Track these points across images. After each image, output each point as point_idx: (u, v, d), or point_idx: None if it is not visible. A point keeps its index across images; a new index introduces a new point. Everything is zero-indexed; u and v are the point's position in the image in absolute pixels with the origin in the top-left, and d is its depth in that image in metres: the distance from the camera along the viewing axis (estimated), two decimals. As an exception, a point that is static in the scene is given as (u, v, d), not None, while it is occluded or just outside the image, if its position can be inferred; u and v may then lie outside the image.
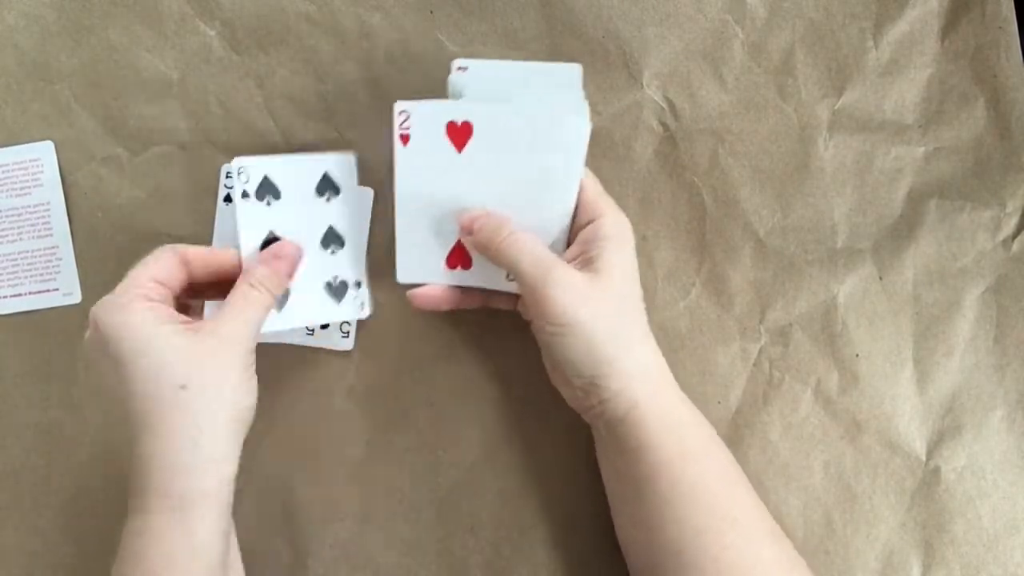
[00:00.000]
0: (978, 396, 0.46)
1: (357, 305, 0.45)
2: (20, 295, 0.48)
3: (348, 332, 0.47)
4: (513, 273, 0.40)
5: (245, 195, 0.42)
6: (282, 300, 0.43)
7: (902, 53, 0.46)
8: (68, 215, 0.48)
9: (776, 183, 0.46)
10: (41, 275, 0.48)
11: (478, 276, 0.43)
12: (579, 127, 0.39)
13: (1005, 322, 0.46)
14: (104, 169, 0.48)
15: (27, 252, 0.48)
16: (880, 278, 0.46)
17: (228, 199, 0.47)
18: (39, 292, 0.48)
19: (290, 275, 0.42)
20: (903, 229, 0.46)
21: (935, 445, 0.45)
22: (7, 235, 0.48)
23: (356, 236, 0.45)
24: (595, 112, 0.47)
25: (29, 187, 0.48)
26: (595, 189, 0.41)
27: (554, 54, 0.47)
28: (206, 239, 0.47)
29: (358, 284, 0.45)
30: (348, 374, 0.47)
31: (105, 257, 0.48)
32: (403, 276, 0.43)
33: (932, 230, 0.46)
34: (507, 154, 0.40)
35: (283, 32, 0.47)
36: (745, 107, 0.46)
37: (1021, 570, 0.45)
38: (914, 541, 0.45)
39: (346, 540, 0.47)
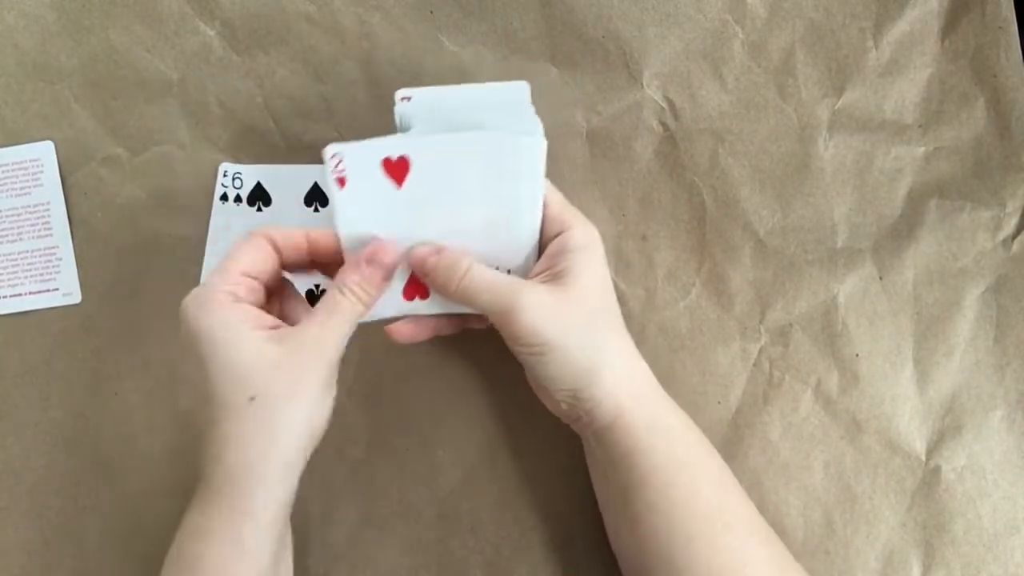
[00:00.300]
0: (978, 396, 0.46)
1: None
2: (20, 295, 0.48)
3: None
4: (475, 309, 0.39)
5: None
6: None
7: (902, 53, 0.46)
8: (68, 215, 0.48)
9: (776, 183, 0.46)
10: (41, 275, 0.48)
11: (438, 304, 0.41)
12: (534, 147, 0.38)
13: (1005, 322, 0.46)
14: (104, 169, 0.48)
15: (27, 252, 0.48)
16: (880, 278, 0.46)
17: (224, 197, 0.47)
18: (39, 292, 0.48)
19: (387, 280, 0.39)
20: (903, 229, 0.46)
21: (935, 445, 0.45)
22: (7, 235, 0.48)
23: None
24: (595, 112, 0.47)
25: (29, 187, 0.48)
26: (559, 202, 0.40)
27: (554, 54, 0.47)
28: (206, 239, 0.47)
29: None
30: (348, 374, 0.47)
31: (105, 257, 0.48)
32: (375, 314, 0.40)
33: (932, 230, 0.46)
34: (460, 183, 0.38)
35: (283, 32, 0.47)
36: (745, 107, 0.46)
37: (1021, 570, 0.45)
38: (914, 541, 0.45)
39: (346, 540, 0.47)
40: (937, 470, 0.45)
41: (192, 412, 0.37)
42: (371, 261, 0.38)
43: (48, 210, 0.48)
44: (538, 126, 0.39)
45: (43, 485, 0.47)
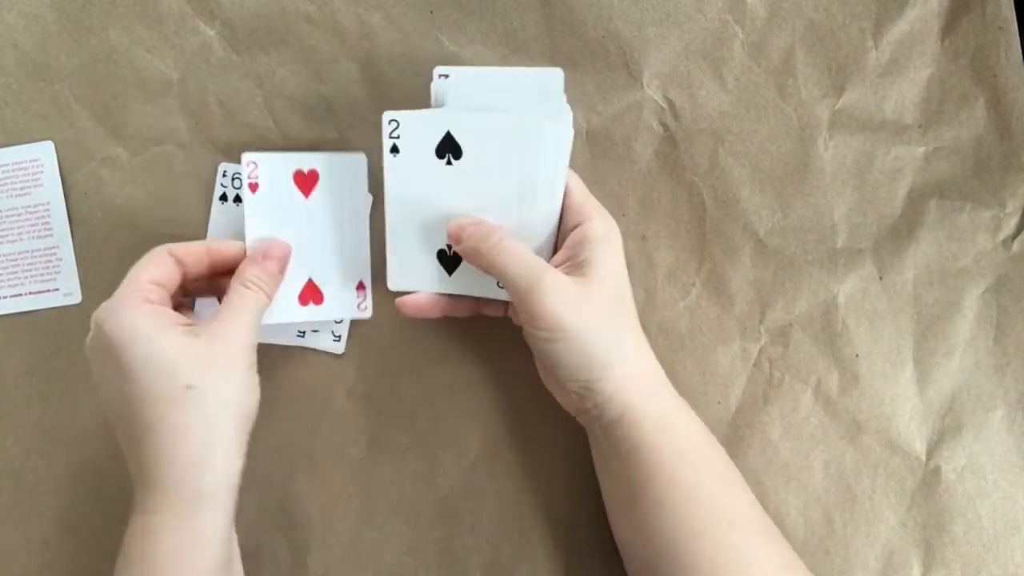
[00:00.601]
0: (978, 396, 0.46)
1: (356, 306, 0.45)
2: (20, 295, 0.48)
3: (340, 336, 0.47)
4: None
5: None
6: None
7: (902, 53, 0.46)
8: (68, 215, 0.48)
9: (776, 183, 0.46)
10: (41, 275, 0.48)
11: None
12: (561, 133, 0.39)
13: (1005, 322, 0.46)
14: (104, 169, 0.48)
15: (27, 252, 0.48)
16: (880, 278, 0.46)
17: (224, 198, 0.47)
18: (39, 292, 0.48)
19: (281, 272, 0.43)
20: (903, 229, 0.46)
21: (935, 445, 0.45)
22: (7, 235, 0.48)
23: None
24: (595, 112, 0.47)
25: (29, 187, 0.48)
26: (581, 192, 0.41)
27: (554, 54, 0.47)
28: (205, 238, 0.47)
29: (361, 284, 0.45)
30: (348, 374, 0.47)
31: (105, 257, 0.48)
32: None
33: (932, 230, 0.46)
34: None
35: (283, 32, 0.47)
36: (745, 107, 0.46)
37: (1021, 570, 0.45)
38: (914, 541, 0.45)
39: (346, 540, 0.47)
40: (937, 470, 0.45)
41: (118, 420, 0.38)
42: (267, 256, 0.42)
43: (48, 210, 0.48)
44: (567, 113, 0.40)
45: (43, 485, 0.47)
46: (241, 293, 0.40)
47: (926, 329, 0.46)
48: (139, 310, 0.38)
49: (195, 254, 0.41)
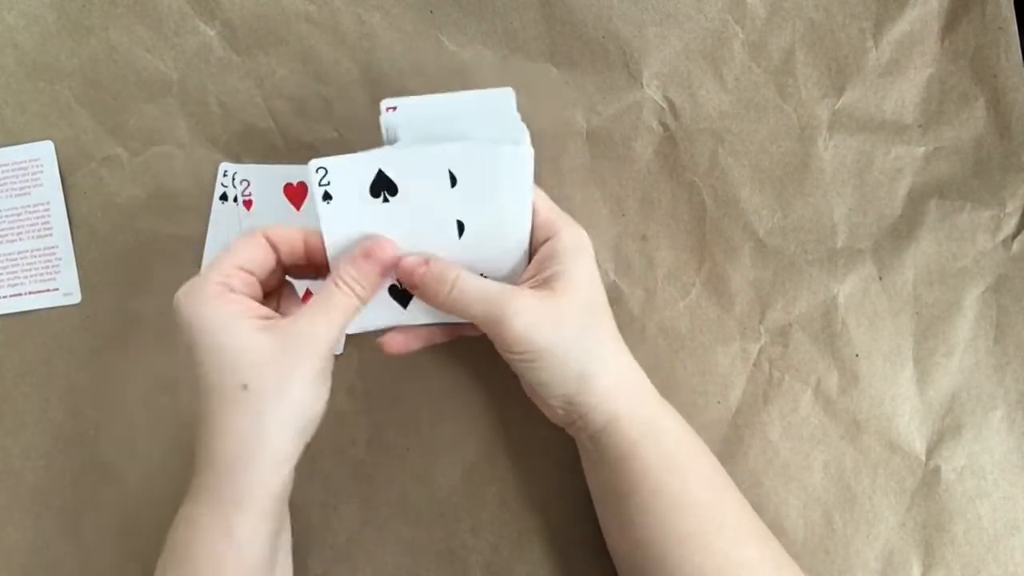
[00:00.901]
0: (978, 396, 0.46)
1: None
2: (20, 295, 0.48)
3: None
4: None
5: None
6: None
7: (902, 53, 0.46)
8: (68, 215, 0.48)
9: (776, 183, 0.46)
10: (41, 275, 0.48)
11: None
12: (520, 155, 0.38)
13: (1005, 322, 0.46)
14: (104, 169, 0.48)
15: (27, 252, 0.48)
16: (880, 278, 0.46)
17: (224, 197, 0.47)
18: (39, 292, 0.48)
19: (384, 275, 0.39)
20: (903, 229, 0.46)
21: (935, 445, 0.45)
22: (7, 235, 0.48)
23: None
24: (595, 112, 0.47)
25: (29, 187, 0.48)
26: (547, 207, 0.40)
27: (554, 54, 0.47)
28: (205, 239, 0.47)
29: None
30: (348, 374, 0.47)
31: (105, 257, 0.48)
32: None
33: (932, 230, 0.46)
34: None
35: (283, 32, 0.47)
36: (745, 107, 0.46)
37: (1021, 570, 0.45)
38: (914, 541, 0.45)
39: (346, 540, 0.47)
40: (937, 470, 0.45)
41: (190, 405, 0.37)
42: (367, 256, 0.38)
43: (48, 210, 0.48)
44: (524, 134, 0.39)
45: (43, 485, 0.47)
46: (330, 292, 0.37)
47: (926, 329, 0.46)
48: (214, 298, 0.36)
49: (290, 241, 0.38)
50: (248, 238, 0.38)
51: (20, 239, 0.48)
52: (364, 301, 0.38)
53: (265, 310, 0.38)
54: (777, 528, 0.43)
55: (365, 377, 0.47)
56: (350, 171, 0.38)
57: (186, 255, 0.47)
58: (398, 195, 0.38)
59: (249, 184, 0.40)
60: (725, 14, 0.46)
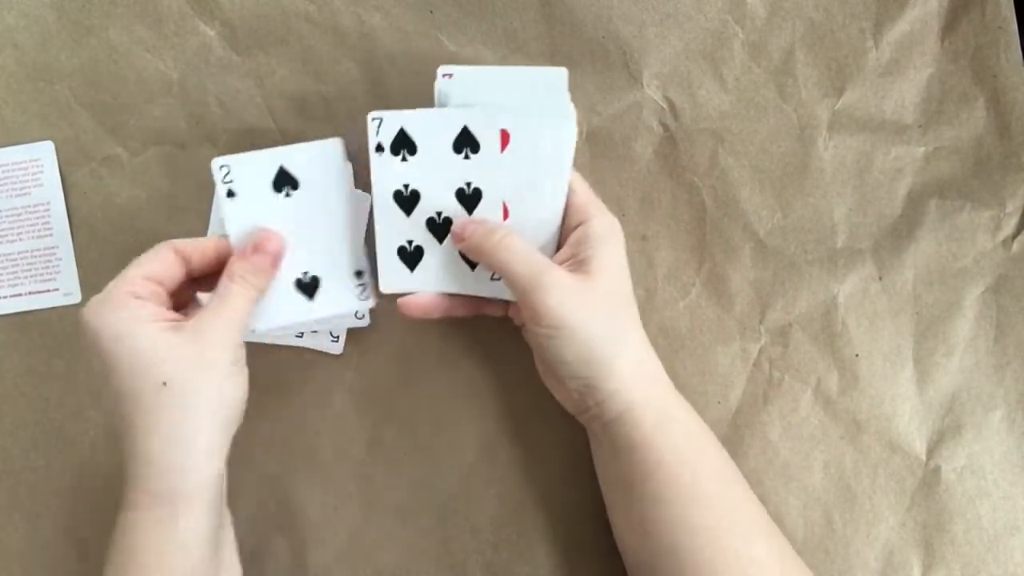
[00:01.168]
0: (978, 396, 0.46)
1: (356, 296, 0.44)
2: (20, 295, 0.48)
3: (338, 337, 0.47)
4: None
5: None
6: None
7: (902, 53, 0.46)
8: (68, 215, 0.48)
9: (776, 183, 0.46)
10: (41, 275, 0.48)
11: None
12: (564, 132, 0.39)
13: (1005, 322, 0.46)
14: (104, 169, 0.48)
15: (27, 252, 0.48)
16: (880, 278, 0.46)
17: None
18: (39, 292, 0.48)
19: (274, 265, 0.41)
20: (903, 229, 0.46)
21: (935, 445, 0.45)
22: (7, 235, 0.48)
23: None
24: (595, 112, 0.47)
25: (29, 187, 0.48)
26: (584, 191, 0.41)
27: (554, 54, 0.47)
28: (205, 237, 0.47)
29: (359, 274, 0.44)
30: (347, 374, 0.47)
31: (105, 257, 0.48)
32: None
33: (932, 230, 0.46)
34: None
35: (283, 32, 0.47)
36: (745, 107, 0.46)
37: (1021, 570, 0.45)
38: (914, 541, 0.45)
39: (346, 540, 0.47)
40: (937, 470, 0.45)
41: (112, 413, 0.38)
42: (257, 249, 0.40)
43: (48, 210, 0.48)
44: (571, 113, 0.40)
45: (43, 485, 0.47)
46: (226, 287, 0.39)
47: (926, 329, 0.46)
48: (119, 304, 0.37)
49: (201, 250, 0.40)
50: (155, 251, 0.39)
51: (20, 239, 0.48)
52: (260, 291, 0.40)
53: (171, 314, 0.39)
54: (777, 527, 0.43)
55: (365, 377, 0.47)
56: (252, 167, 0.41)
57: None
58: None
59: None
60: (725, 14, 0.46)
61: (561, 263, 0.40)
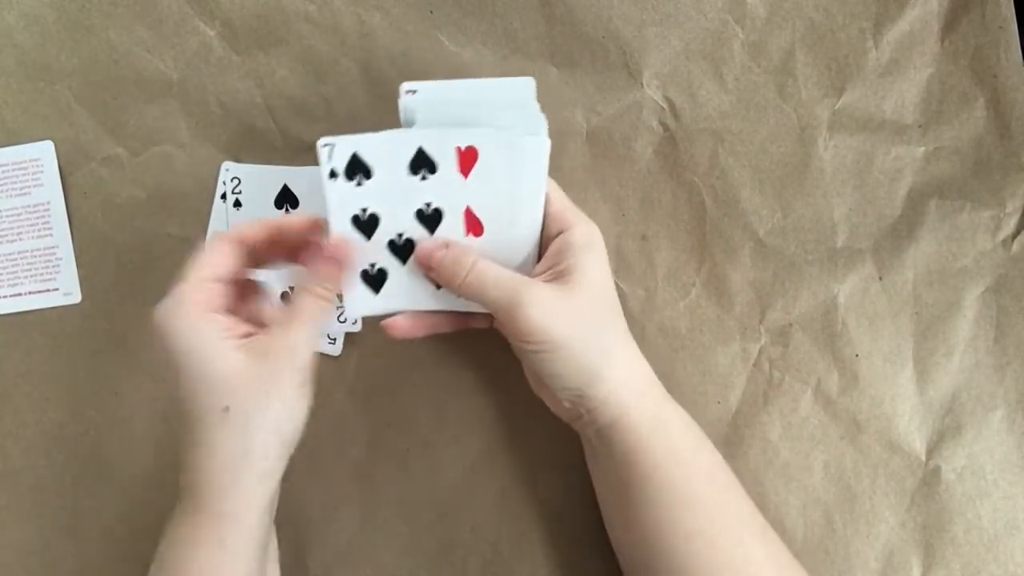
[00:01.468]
0: (978, 396, 0.46)
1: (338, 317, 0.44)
2: (20, 295, 0.48)
3: (335, 339, 0.47)
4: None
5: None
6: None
7: (902, 53, 0.46)
8: (68, 215, 0.48)
9: (776, 183, 0.46)
10: (41, 275, 0.48)
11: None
12: (537, 145, 0.38)
13: (1005, 322, 0.46)
14: (104, 169, 0.48)
15: (27, 252, 0.48)
16: (880, 278, 0.46)
17: (224, 197, 0.47)
18: (39, 292, 0.48)
19: (342, 276, 0.40)
20: (903, 229, 0.46)
21: (935, 445, 0.45)
22: (7, 235, 0.48)
23: None
24: (595, 112, 0.47)
25: (29, 187, 0.48)
26: (561, 200, 0.40)
27: (554, 54, 0.47)
28: (205, 239, 0.47)
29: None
30: (348, 374, 0.47)
31: (105, 257, 0.48)
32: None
33: (932, 230, 0.46)
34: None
35: (283, 32, 0.47)
36: (745, 107, 0.46)
37: (1021, 570, 0.45)
38: (914, 541, 0.45)
39: (346, 540, 0.47)
40: (937, 470, 0.45)
41: (178, 423, 0.38)
42: (329, 259, 0.39)
43: (48, 210, 0.48)
44: (543, 124, 0.39)
45: (43, 485, 0.47)
46: (299, 303, 0.38)
47: (926, 329, 0.46)
48: (191, 317, 0.37)
49: (265, 227, 0.40)
50: (214, 247, 0.39)
51: (20, 239, 0.48)
52: (330, 302, 0.39)
53: (242, 327, 0.38)
54: (777, 528, 0.43)
55: (365, 377, 0.47)
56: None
57: (186, 255, 0.47)
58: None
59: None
60: (725, 14, 0.46)
61: (541, 273, 0.39)
